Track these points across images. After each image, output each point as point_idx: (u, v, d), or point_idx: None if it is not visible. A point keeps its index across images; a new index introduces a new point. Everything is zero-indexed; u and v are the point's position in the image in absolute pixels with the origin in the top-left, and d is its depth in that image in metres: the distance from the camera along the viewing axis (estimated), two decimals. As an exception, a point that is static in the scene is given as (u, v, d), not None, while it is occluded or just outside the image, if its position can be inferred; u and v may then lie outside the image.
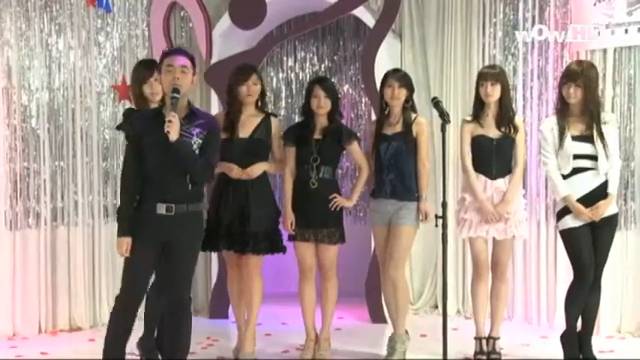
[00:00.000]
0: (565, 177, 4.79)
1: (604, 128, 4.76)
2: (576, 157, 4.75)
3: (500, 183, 5.04)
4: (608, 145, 4.74)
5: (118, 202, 4.43)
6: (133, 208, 4.16)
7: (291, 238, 5.15)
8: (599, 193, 4.75)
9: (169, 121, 3.99)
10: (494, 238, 5.09)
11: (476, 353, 5.17)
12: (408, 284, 5.28)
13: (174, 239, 4.14)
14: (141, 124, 4.21)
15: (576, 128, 4.78)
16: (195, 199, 4.23)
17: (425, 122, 5.16)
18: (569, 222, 4.77)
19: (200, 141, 4.14)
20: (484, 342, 5.18)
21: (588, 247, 4.74)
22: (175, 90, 4.06)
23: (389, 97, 5.08)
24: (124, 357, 4.24)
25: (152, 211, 4.10)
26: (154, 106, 4.81)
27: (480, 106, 5.10)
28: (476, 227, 5.04)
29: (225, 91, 5.16)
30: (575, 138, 4.75)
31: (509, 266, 6.03)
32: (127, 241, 4.12)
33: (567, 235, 4.81)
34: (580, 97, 4.74)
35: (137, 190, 4.16)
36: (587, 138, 4.75)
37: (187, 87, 4.15)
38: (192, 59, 4.22)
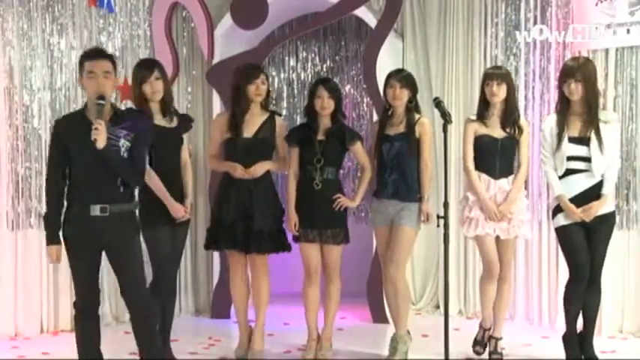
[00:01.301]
0: (559, 178, 4.81)
1: (604, 127, 4.76)
2: (570, 158, 4.76)
3: (504, 183, 5.04)
4: (607, 145, 4.74)
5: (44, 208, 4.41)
6: (59, 213, 4.14)
7: (296, 239, 5.15)
8: (594, 193, 4.75)
9: (96, 129, 3.97)
10: (497, 238, 5.09)
11: (476, 341, 5.20)
12: (408, 285, 5.28)
13: (113, 242, 4.13)
14: (65, 128, 4.17)
15: (575, 128, 4.78)
16: (128, 199, 4.22)
17: (428, 123, 5.14)
18: (561, 220, 4.80)
19: (128, 143, 4.12)
20: (487, 333, 5.19)
21: (582, 245, 4.75)
22: (101, 97, 4.04)
23: (391, 98, 5.08)
24: (101, 358, 4.28)
25: (85, 213, 4.08)
26: (154, 105, 4.82)
27: (484, 106, 5.10)
28: (483, 225, 5.03)
29: (231, 91, 5.15)
30: (572, 140, 4.75)
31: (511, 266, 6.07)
32: (57, 248, 4.13)
33: (560, 233, 4.85)
34: (582, 93, 4.74)
35: (62, 195, 4.16)
36: (583, 140, 4.74)
37: (111, 91, 4.16)
38: (113, 61, 4.19)
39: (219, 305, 6.47)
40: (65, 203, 4.18)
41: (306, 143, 5.11)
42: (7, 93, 5.80)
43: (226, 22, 6.56)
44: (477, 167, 5.08)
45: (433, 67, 6.76)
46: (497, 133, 5.06)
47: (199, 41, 6.64)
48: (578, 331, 4.88)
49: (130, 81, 5.99)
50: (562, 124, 4.79)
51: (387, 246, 5.11)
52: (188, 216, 4.96)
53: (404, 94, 5.05)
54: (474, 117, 5.16)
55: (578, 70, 4.73)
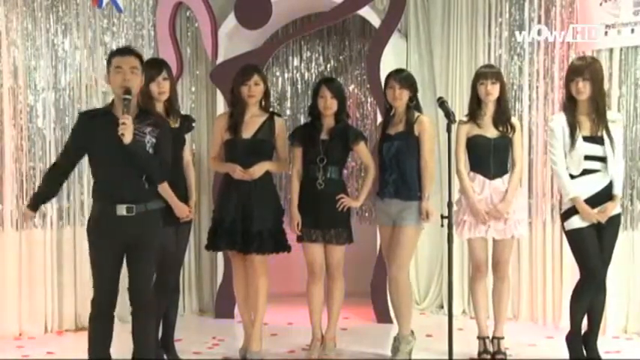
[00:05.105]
0: (573, 177, 4.74)
1: (611, 126, 4.74)
2: (586, 158, 4.72)
3: (499, 183, 5.03)
4: (617, 144, 4.73)
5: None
6: (52, 193, 4.32)
7: (299, 239, 5.15)
8: (605, 194, 4.73)
9: (123, 124, 3.97)
10: (493, 238, 5.09)
11: (480, 353, 5.17)
12: (410, 285, 5.26)
13: (138, 240, 4.13)
14: (89, 123, 4.18)
15: (586, 127, 4.74)
16: (153, 197, 4.24)
17: (427, 121, 5.12)
18: (576, 222, 4.73)
19: (154, 140, 4.14)
20: (487, 341, 5.18)
21: (596, 247, 4.71)
22: (127, 91, 4.05)
23: (391, 99, 5.08)
24: (109, 359, 4.28)
25: (112, 212, 4.09)
26: (159, 105, 4.83)
27: (477, 105, 5.10)
28: (475, 228, 5.04)
29: (230, 92, 5.17)
30: (585, 139, 4.71)
31: (515, 266, 6.06)
32: (32, 215, 4.33)
33: (574, 236, 4.77)
34: (589, 92, 4.71)
35: (61, 182, 4.31)
36: (596, 139, 4.71)
37: (137, 87, 4.15)
38: (141, 58, 4.21)
39: (223, 305, 6.47)
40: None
41: (310, 143, 5.11)
42: (12, 93, 5.81)
43: (230, 21, 6.57)
44: (472, 168, 5.09)
45: (437, 66, 6.75)
46: (490, 132, 5.06)
47: (203, 41, 6.64)
48: (583, 331, 4.87)
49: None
50: (574, 123, 4.73)
51: (390, 245, 5.10)
52: (192, 216, 4.97)
53: (404, 94, 5.04)
54: (465, 118, 5.15)
55: (587, 69, 4.71)
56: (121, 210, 4.08)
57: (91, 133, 4.13)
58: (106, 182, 4.12)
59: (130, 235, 4.11)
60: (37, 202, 4.28)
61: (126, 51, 4.22)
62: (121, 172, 4.08)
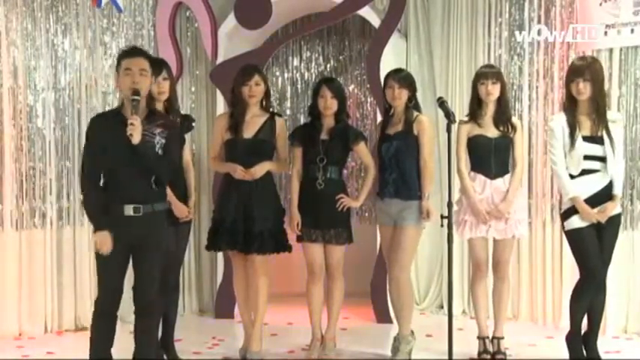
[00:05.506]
0: (572, 177, 4.74)
1: (612, 126, 4.74)
2: (586, 157, 4.72)
3: (500, 182, 5.04)
4: (617, 144, 4.73)
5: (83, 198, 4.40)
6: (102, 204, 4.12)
7: (299, 238, 5.15)
8: (605, 194, 4.73)
9: (132, 124, 3.99)
10: (494, 238, 5.09)
11: (480, 353, 5.18)
12: (412, 285, 5.27)
13: (143, 241, 4.13)
14: (100, 126, 4.18)
15: (586, 127, 4.74)
16: (160, 198, 4.24)
17: (426, 120, 5.11)
18: (575, 222, 4.73)
19: (163, 140, 4.14)
20: (487, 341, 5.19)
21: (596, 247, 4.71)
22: (135, 93, 4.06)
23: (390, 98, 5.08)
24: (111, 359, 4.27)
25: (119, 212, 4.09)
26: (159, 105, 4.83)
27: (477, 105, 5.10)
28: (476, 228, 5.04)
29: (230, 92, 5.17)
30: (585, 139, 4.71)
31: (515, 266, 6.06)
32: (107, 234, 4.05)
33: (574, 236, 4.77)
34: (590, 93, 4.71)
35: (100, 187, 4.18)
36: (596, 139, 4.71)
37: (147, 89, 4.15)
38: (150, 59, 4.21)
39: (223, 305, 6.47)
40: None
41: (310, 143, 5.11)
42: (12, 93, 5.81)
43: (230, 21, 6.57)
44: (473, 168, 5.09)
45: (437, 67, 6.75)
46: (491, 132, 5.06)
47: (203, 41, 6.64)
48: (583, 331, 4.87)
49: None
50: (573, 123, 4.73)
51: (391, 245, 5.10)
52: (191, 216, 4.97)
53: (402, 94, 5.04)
54: (465, 118, 5.15)
55: (587, 70, 4.71)
56: (129, 210, 4.09)
57: (102, 133, 4.13)
58: (115, 183, 4.11)
59: (136, 235, 4.11)
60: (105, 219, 4.10)
61: (134, 52, 4.22)
62: (129, 173, 4.09)
